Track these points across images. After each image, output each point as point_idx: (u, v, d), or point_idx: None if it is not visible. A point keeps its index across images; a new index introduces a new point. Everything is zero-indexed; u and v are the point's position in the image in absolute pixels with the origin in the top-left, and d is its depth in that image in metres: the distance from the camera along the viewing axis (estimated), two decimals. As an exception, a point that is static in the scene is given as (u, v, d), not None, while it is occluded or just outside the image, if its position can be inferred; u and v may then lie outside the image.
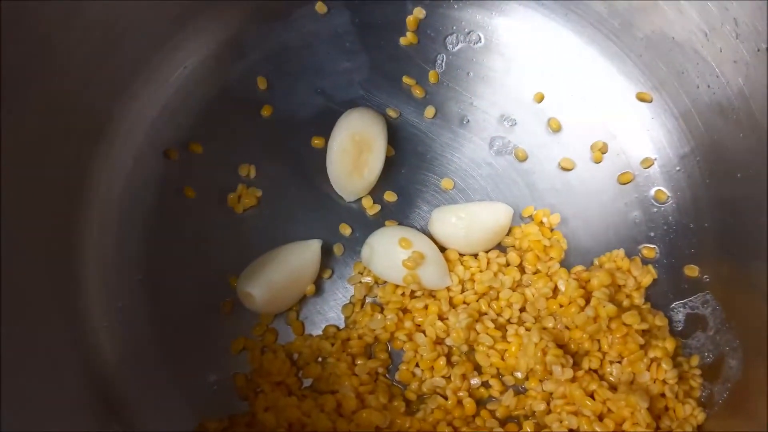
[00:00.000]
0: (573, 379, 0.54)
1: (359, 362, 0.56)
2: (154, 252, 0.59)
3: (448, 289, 0.58)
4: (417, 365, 0.57)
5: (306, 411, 0.54)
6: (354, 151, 0.59)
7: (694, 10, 0.56)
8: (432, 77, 0.65)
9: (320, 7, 0.65)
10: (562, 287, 0.57)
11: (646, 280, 0.58)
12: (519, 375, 0.56)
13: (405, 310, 0.58)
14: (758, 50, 0.52)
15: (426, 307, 0.57)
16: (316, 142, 0.62)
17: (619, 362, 0.55)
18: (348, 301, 0.59)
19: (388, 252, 0.57)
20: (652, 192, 0.62)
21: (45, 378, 0.49)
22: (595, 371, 0.55)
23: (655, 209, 0.61)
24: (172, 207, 0.61)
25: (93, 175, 0.59)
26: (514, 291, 0.58)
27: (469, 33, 0.66)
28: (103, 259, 0.58)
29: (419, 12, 0.65)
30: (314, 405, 0.54)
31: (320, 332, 0.59)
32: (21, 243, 0.50)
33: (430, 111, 0.64)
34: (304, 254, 0.58)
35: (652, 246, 0.60)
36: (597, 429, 0.52)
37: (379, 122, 0.61)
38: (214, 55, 0.64)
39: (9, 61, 0.47)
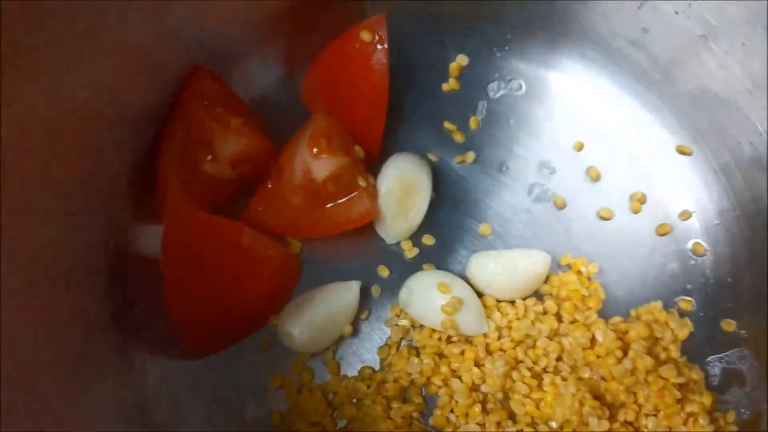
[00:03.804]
0: (609, 431, 0.54)
1: (395, 405, 0.57)
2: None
3: (485, 335, 0.58)
4: (452, 411, 0.57)
5: (341, 453, 0.54)
6: (400, 194, 0.60)
7: (738, 67, 0.56)
8: (473, 123, 0.65)
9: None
10: (599, 338, 0.57)
11: (683, 333, 0.58)
12: (553, 425, 0.56)
13: (441, 355, 0.58)
14: (803, 110, 0.53)
15: (462, 352, 0.58)
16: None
17: (655, 415, 0.55)
18: (384, 343, 0.60)
19: (427, 296, 0.58)
20: (690, 244, 0.62)
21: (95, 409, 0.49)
22: (630, 423, 0.55)
23: (693, 262, 0.61)
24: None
25: (135, 236, 0.59)
26: (551, 340, 0.58)
27: (510, 81, 0.67)
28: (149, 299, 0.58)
29: (462, 59, 0.67)
30: (349, 447, 0.54)
31: (355, 373, 0.59)
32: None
33: (470, 156, 0.65)
34: (344, 295, 0.59)
35: (689, 299, 0.60)
36: (633, 483, 0.52)
37: (424, 166, 0.62)
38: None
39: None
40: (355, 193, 0.58)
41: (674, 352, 0.58)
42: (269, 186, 0.60)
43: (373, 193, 0.60)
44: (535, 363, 0.58)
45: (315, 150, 0.57)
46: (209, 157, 0.57)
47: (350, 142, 0.60)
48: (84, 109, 0.49)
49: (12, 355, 0.42)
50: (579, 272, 0.61)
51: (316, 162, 0.58)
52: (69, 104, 0.48)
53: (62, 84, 0.46)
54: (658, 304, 0.59)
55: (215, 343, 0.58)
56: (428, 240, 0.63)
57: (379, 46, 0.59)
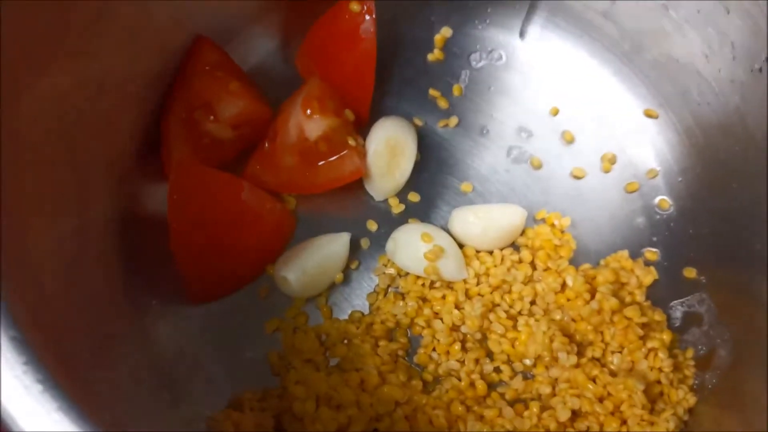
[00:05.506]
0: (577, 366, 0.59)
1: (381, 344, 0.62)
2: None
3: (465, 281, 0.63)
4: (434, 350, 0.62)
5: (333, 385, 0.59)
6: (388, 154, 0.65)
7: (696, 34, 0.61)
8: (456, 90, 0.71)
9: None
10: (570, 282, 0.62)
11: (648, 280, 0.63)
12: (527, 362, 0.61)
13: (424, 299, 0.63)
14: (752, 70, 0.57)
15: (444, 297, 0.63)
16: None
17: (620, 352, 0.60)
18: (372, 290, 0.65)
19: (411, 245, 0.63)
20: (656, 200, 0.67)
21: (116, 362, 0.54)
22: (598, 360, 0.60)
23: (658, 216, 0.66)
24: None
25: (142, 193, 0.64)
26: (525, 285, 0.63)
27: (491, 51, 0.72)
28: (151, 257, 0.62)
29: (446, 31, 0.72)
30: (340, 380, 0.59)
31: (346, 317, 0.64)
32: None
33: (453, 121, 0.70)
34: (335, 245, 0.64)
35: (654, 249, 0.65)
36: (597, 410, 0.57)
37: (411, 129, 0.67)
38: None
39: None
40: (345, 151, 0.63)
41: (639, 297, 0.63)
42: (266, 146, 0.65)
43: (362, 152, 0.65)
44: (510, 306, 0.63)
45: (308, 111, 0.62)
46: (211, 118, 0.62)
47: (341, 105, 0.65)
48: (97, 83, 0.54)
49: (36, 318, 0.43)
50: (552, 225, 0.66)
51: (308, 122, 0.63)
52: (83, 79, 0.52)
53: (76, 62, 0.51)
54: (625, 252, 0.64)
55: (218, 290, 0.63)
56: (413, 197, 0.68)
57: (367, 17, 0.64)
